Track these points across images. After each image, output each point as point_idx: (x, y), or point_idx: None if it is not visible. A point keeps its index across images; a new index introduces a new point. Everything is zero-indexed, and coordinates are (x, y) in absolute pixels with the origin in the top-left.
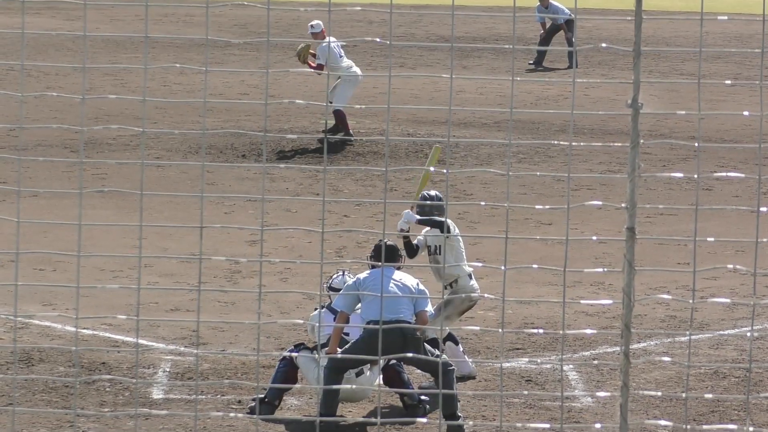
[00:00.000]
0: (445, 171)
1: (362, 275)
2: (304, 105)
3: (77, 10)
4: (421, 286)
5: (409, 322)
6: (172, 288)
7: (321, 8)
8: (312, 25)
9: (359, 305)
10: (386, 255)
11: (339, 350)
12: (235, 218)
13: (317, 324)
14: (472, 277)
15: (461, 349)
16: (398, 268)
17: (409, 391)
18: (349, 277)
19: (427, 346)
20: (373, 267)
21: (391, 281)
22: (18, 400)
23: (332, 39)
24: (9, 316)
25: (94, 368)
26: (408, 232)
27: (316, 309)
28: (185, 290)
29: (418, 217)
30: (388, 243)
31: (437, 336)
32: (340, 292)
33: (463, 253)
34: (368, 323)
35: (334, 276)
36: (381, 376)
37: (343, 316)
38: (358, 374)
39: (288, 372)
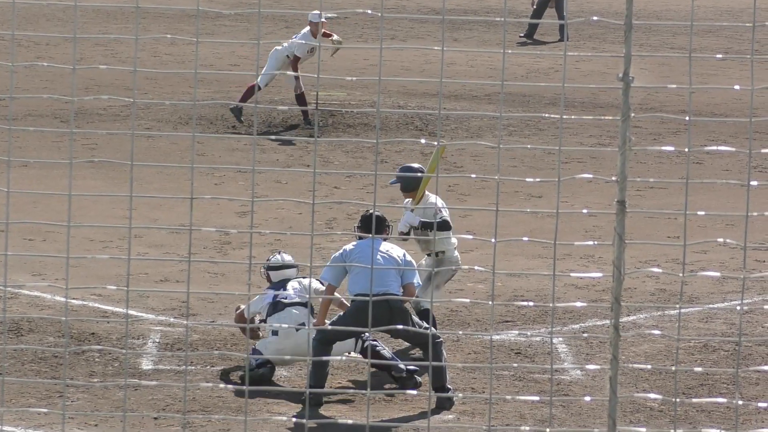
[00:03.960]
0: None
1: (348, 246)
2: (295, 76)
3: None
4: (408, 257)
5: (396, 295)
6: (161, 258)
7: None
8: (316, 14)
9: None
10: (371, 227)
11: (327, 322)
12: (225, 189)
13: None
14: (456, 248)
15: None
16: (385, 239)
17: (393, 363)
18: (283, 255)
19: (415, 318)
20: (360, 238)
21: (378, 253)
22: (7, 370)
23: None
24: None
25: (83, 339)
26: (408, 234)
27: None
28: (175, 261)
29: (420, 219)
30: (376, 213)
31: (429, 307)
32: (327, 263)
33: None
34: (355, 296)
35: (271, 257)
36: (358, 346)
37: (331, 289)
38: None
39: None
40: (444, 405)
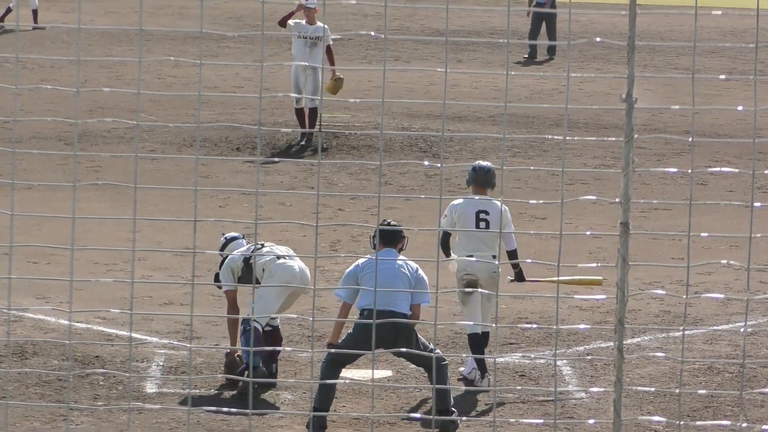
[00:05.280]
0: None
1: (361, 261)
2: (299, 98)
3: (72, 2)
4: (421, 273)
5: (404, 313)
6: (165, 282)
7: (317, 1)
8: (308, 0)
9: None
10: (388, 237)
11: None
12: (230, 211)
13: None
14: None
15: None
16: (400, 251)
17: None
18: (244, 242)
19: (421, 339)
20: (375, 248)
21: (389, 268)
22: (11, 393)
23: (326, 27)
24: (3, 309)
25: (87, 362)
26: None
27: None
28: (179, 284)
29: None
30: (391, 224)
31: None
32: (341, 280)
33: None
34: (361, 311)
35: (229, 237)
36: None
37: (346, 307)
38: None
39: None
40: (448, 428)
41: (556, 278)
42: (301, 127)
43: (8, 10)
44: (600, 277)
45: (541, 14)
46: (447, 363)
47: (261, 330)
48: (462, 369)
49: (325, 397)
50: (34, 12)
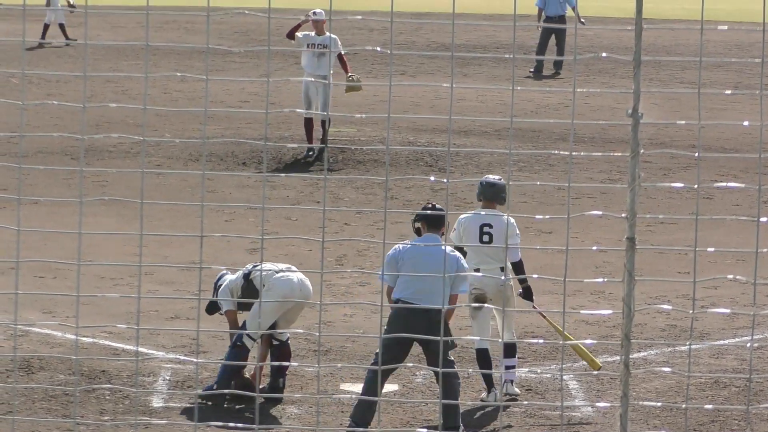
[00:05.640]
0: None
1: (400, 245)
2: (305, 113)
3: (79, 17)
4: (463, 262)
5: (440, 307)
6: (172, 296)
7: (324, 14)
8: (315, 12)
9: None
10: (431, 221)
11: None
12: (236, 226)
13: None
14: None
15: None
16: (442, 234)
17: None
18: (229, 274)
19: (452, 337)
20: (417, 232)
21: (429, 255)
22: (18, 408)
23: (334, 36)
24: (9, 323)
25: (94, 376)
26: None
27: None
28: (185, 298)
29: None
30: (437, 207)
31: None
32: (384, 262)
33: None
34: (396, 301)
35: (217, 280)
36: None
37: (390, 290)
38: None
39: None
40: None
41: (563, 330)
42: (308, 138)
43: (46, 27)
44: (600, 363)
45: (550, 29)
46: (459, 381)
47: (249, 348)
48: (484, 395)
49: (365, 410)
50: (61, 26)
